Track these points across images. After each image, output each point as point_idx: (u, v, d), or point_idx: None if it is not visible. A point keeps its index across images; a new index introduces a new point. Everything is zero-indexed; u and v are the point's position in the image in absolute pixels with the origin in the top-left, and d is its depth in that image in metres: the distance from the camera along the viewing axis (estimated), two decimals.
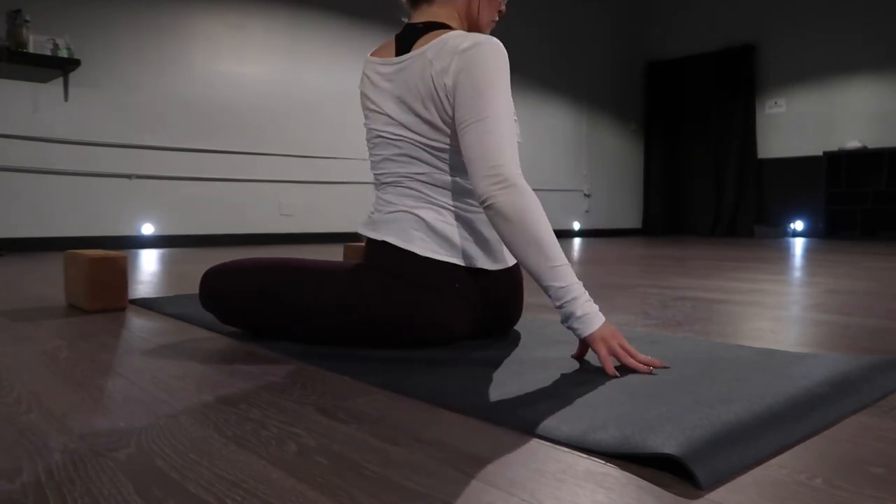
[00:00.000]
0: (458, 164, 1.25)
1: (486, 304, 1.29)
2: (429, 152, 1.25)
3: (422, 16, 1.31)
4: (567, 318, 1.10)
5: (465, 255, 1.25)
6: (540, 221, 1.11)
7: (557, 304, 1.11)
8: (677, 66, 8.76)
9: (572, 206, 8.11)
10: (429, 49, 1.21)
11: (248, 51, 5.41)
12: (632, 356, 1.06)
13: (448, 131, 1.23)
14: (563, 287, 1.09)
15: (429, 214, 1.25)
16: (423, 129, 1.24)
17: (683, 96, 8.76)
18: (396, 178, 1.29)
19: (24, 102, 4.38)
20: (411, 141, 1.25)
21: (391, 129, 1.28)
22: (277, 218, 5.57)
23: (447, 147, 1.24)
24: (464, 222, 1.27)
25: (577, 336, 1.10)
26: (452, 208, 1.27)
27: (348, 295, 1.23)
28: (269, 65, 5.52)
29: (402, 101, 1.25)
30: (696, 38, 8.60)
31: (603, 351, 1.06)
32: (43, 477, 0.65)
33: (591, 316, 1.08)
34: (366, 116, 1.35)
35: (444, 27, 1.28)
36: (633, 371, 1.04)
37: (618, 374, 1.02)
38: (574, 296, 1.09)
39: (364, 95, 1.34)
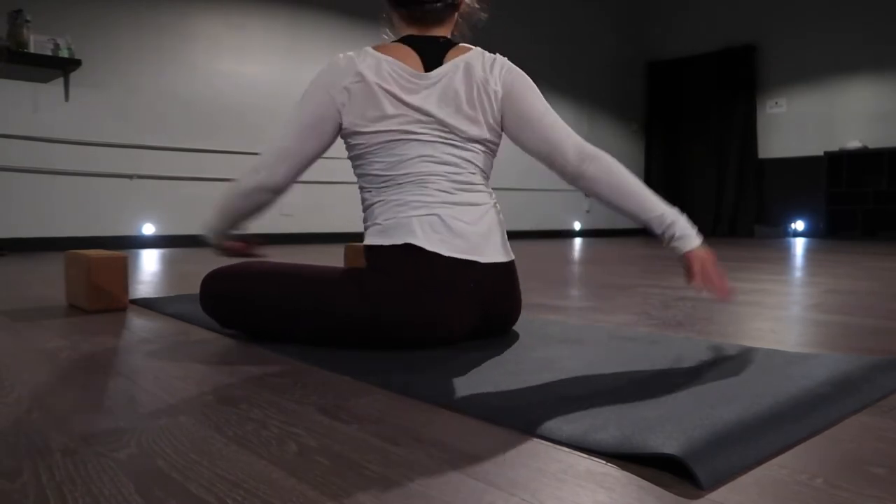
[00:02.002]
0: (486, 163, 1.38)
1: (486, 299, 1.30)
2: (462, 148, 1.33)
3: (433, 31, 1.37)
4: (669, 240, 1.27)
5: (467, 250, 1.27)
6: (628, 175, 1.30)
7: (659, 230, 1.28)
8: (678, 67, 8.76)
9: (573, 206, 8.11)
10: (471, 59, 1.33)
11: (249, 51, 5.42)
12: (719, 278, 1.25)
13: (486, 131, 1.34)
14: (660, 215, 1.27)
15: (446, 212, 1.28)
16: (465, 126, 1.32)
17: (684, 96, 8.75)
18: (420, 177, 1.30)
19: (24, 102, 4.38)
20: (447, 141, 1.31)
21: (425, 127, 1.30)
22: (278, 218, 5.57)
23: (482, 148, 1.36)
24: (479, 216, 1.32)
25: (677, 254, 1.27)
26: (467, 203, 1.31)
27: (348, 297, 1.24)
28: (269, 65, 5.52)
29: (443, 105, 1.31)
30: (697, 38, 8.59)
31: (696, 266, 1.24)
32: (44, 477, 0.65)
33: (690, 236, 1.26)
34: (387, 116, 1.30)
35: (452, 43, 1.38)
36: (641, 370, 1.04)
37: (702, 287, 1.25)
38: (672, 220, 1.27)
39: (389, 93, 1.29)
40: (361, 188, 1.37)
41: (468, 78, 1.32)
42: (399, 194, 1.30)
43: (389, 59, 1.30)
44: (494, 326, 1.37)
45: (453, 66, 1.32)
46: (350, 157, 1.38)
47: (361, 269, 1.30)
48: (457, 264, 1.26)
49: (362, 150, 1.33)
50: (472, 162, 1.34)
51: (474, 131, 1.33)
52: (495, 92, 1.33)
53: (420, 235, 1.25)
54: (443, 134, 1.31)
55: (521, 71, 1.38)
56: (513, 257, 1.37)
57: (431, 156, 1.31)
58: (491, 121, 1.34)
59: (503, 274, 1.33)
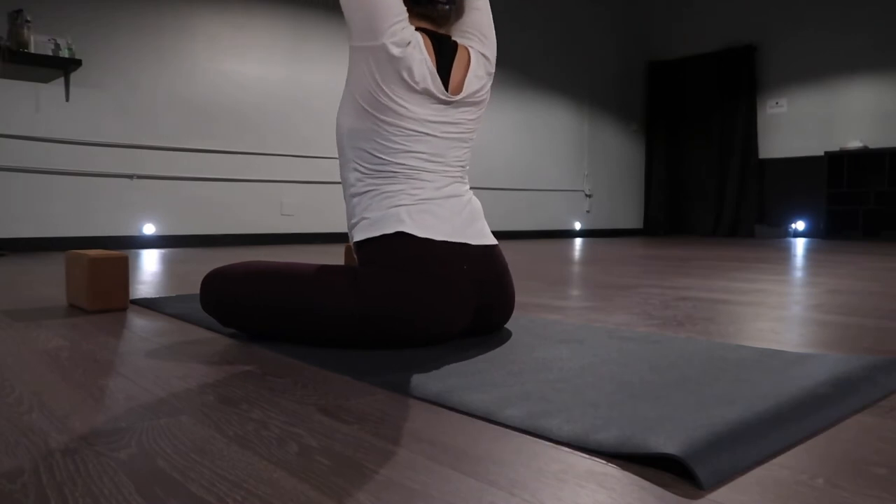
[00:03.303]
0: (469, 156, 1.45)
1: (479, 285, 1.32)
2: (459, 148, 1.41)
3: (442, 29, 1.43)
4: None
5: (456, 234, 1.32)
6: None
7: None
8: (679, 67, 8.75)
9: (573, 206, 8.11)
10: (476, 70, 1.41)
11: (251, 51, 5.42)
12: None
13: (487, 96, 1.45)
14: None
15: (433, 202, 1.34)
16: (469, 133, 1.42)
17: (685, 96, 8.75)
18: (413, 170, 1.33)
19: (25, 102, 4.38)
20: (472, 134, 1.44)
21: (434, 134, 1.36)
22: (279, 218, 5.57)
23: (472, 142, 1.45)
24: (462, 205, 1.38)
25: None
26: (452, 195, 1.37)
27: (347, 297, 1.24)
28: (271, 65, 5.52)
29: (460, 122, 1.39)
30: (698, 38, 8.59)
31: None
32: (44, 477, 0.65)
33: None
34: (406, 107, 1.31)
35: (455, 45, 1.42)
36: (636, 364, 1.04)
37: None
38: None
39: (422, 94, 1.32)
40: (352, 163, 1.36)
41: (479, 91, 1.41)
42: (389, 185, 1.32)
43: (429, 61, 1.32)
44: (493, 316, 1.37)
45: (469, 83, 1.38)
46: (349, 116, 1.35)
47: (358, 267, 1.31)
48: (448, 248, 1.29)
49: (371, 116, 1.31)
50: (462, 158, 1.42)
51: (475, 135, 1.45)
52: (489, 89, 1.46)
53: (409, 223, 1.28)
54: (448, 140, 1.38)
55: (479, 41, 1.46)
56: (497, 242, 1.43)
57: (431, 153, 1.35)
58: (485, 106, 1.48)
59: (492, 257, 1.38)
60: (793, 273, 3.00)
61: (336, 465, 0.69)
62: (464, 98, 1.38)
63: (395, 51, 1.28)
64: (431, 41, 1.36)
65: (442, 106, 1.35)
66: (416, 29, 1.36)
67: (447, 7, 1.40)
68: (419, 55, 1.30)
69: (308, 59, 5.73)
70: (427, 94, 1.32)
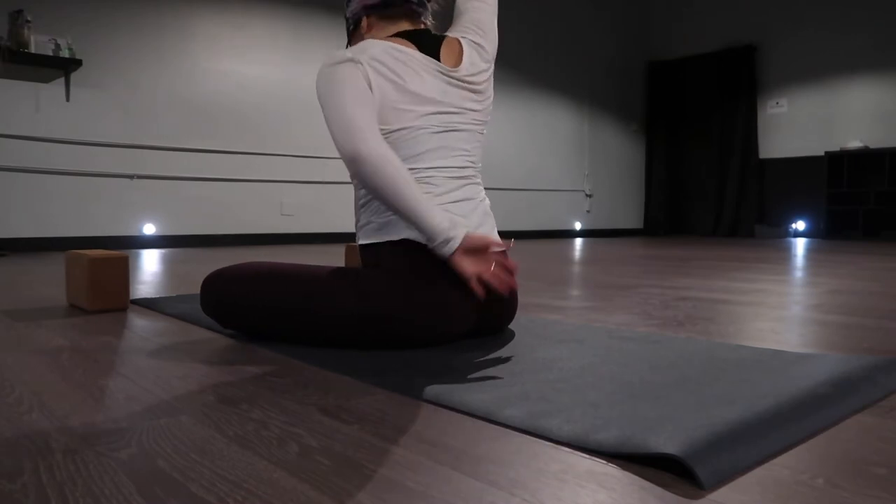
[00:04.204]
0: (481, 151, 1.43)
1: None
2: (481, 134, 1.42)
3: (416, 25, 1.42)
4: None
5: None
6: None
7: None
8: (679, 67, 8.75)
9: (574, 206, 8.10)
10: (472, 58, 1.40)
11: (250, 50, 5.42)
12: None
13: (488, 114, 1.43)
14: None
15: (440, 208, 1.31)
16: (480, 116, 1.40)
17: (685, 96, 8.75)
18: (420, 174, 1.31)
19: (25, 102, 4.38)
20: (481, 128, 1.42)
21: (476, 116, 1.38)
22: (279, 218, 5.57)
23: (483, 132, 1.43)
24: (471, 209, 1.36)
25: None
26: (461, 199, 1.34)
27: (347, 297, 1.24)
28: (271, 64, 5.52)
29: (466, 100, 1.37)
30: (698, 38, 8.59)
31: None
32: (44, 477, 0.65)
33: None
34: (416, 113, 1.30)
35: (440, 36, 1.42)
36: (634, 362, 1.04)
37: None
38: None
39: (414, 83, 1.31)
40: (357, 183, 1.36)
41: (476, 75, 1.38)
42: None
43: (405, 47, 1.31)
44: (493, 320, 1.37)
45: (465, 65, 1.36)
46: None
47: (359, 268, 1.31)
48: None
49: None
50: (472, 154, 1.39)
51: (484, 130, 1.42)
52: (490, 81, 1.44)
53: (414, 230, 1.26)
54: (454, 133, 1.35)
55: (475, 34, 1.44)
56: (504, 248, 1.40)
57: (437, 147, 1.32)
58: (490, 100, 1.44)
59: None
60: (793, 273, 3.00)
61: (336, 465, 0.69)
62: (464, 76, 1.35)
63: (373, 62, 1.27)
64: (407, 38, 1.35)
65: (442, 76, 1.32)
66: (396, 34, 1.36)
67: (418, 8, 1.41)
68: (388, 44, 1.30)
69: (308, 60, 5.73)
70: (421, 62, 1.30)
